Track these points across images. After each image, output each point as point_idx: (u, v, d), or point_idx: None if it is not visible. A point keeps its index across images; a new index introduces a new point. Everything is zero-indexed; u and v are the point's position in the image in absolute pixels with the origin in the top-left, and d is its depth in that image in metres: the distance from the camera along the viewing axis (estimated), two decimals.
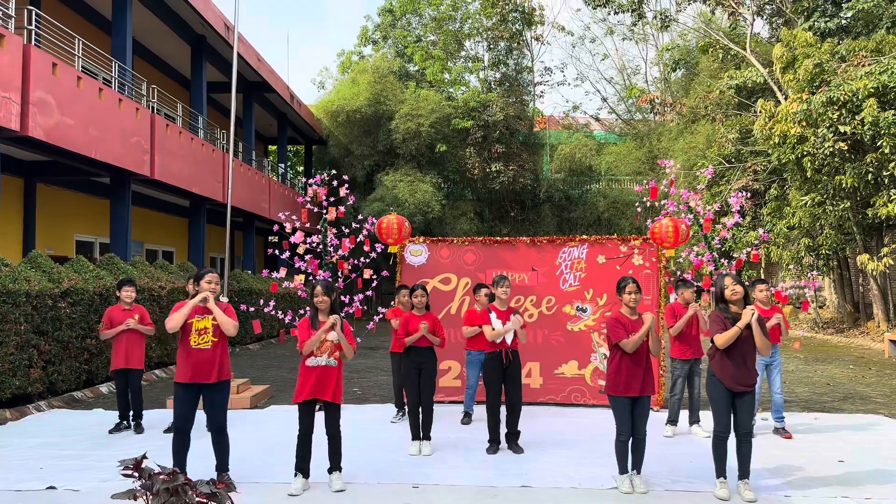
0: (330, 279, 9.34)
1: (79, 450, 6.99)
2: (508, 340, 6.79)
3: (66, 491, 5.63)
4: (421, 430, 6.89)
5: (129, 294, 7.93)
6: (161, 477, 3.34)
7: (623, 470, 5.69)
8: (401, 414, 8.48)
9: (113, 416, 8.40)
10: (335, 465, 5.72)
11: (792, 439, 7.40)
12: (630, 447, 5.71)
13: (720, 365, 5.50)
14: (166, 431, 7.62)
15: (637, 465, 5.72)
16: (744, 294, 5.54)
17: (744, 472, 5.54)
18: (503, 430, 6.93)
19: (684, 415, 7.95)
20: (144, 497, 3.33)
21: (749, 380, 5.47)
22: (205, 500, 3.31)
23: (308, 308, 5.98)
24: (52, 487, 5.71)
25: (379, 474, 6.08)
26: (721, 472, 5.53)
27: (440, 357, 9.29)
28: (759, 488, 5.67)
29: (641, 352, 5.69)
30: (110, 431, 7.76)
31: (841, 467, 6.37)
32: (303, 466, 5.69)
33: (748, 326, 5.40)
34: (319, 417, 5.74)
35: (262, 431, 7.88)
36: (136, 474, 3.40)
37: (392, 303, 8.72)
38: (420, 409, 6.90)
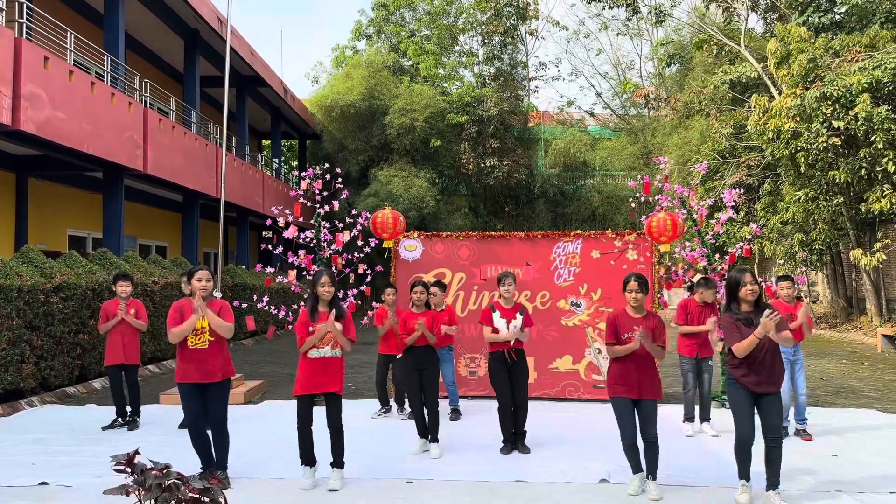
0: None
1: (71, 445, 6.96)
2: (511, 340, 6.66)
3: (59, 487, 5.61)
4: (428, 433, 6.69)
5: (124, 289, 7.87)
6: (153, 472, 3.32)
7: (636, 469, 5.44)
8: (384, 410, 8.44)
9: (106, 412, 8.37)
10: (338, 461, 5.66)
11: (812, 441, 7.18)
12: (642, 451, 5.44)
13: (742, 369, 5.13)
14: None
15: (651, 471, 5.41)
16: (758, 294, 5.20)
17: (773, 482, 5.13)
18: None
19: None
20: (137, 493, 3.31)
21: (775, 379, 5.12)
22: (198, 496, 3.29)
23: (302, 303, 5.93)
24: (44, 483, 5.68)
25: (373, 470, 6.07)
26: (744, 474, 5.18)
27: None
28: (753, 482, 5.68)
29: (642, 354, 5.42)
30: (104, 428, 7.67)
31: (834, 461, 6.39)
32: (309, 458, 5.66)
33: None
34: (318, 411, 5.71)
35: (257, 427, 7.87)
36: (129, 470, 3.38)
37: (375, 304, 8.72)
38: (425, 412, 6.70)
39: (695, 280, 8.16)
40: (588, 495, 5.43)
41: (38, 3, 14.52)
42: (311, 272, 9.29)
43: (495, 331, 6.66)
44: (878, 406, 9.11)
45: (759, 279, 7.71)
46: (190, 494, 3.28)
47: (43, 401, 9.30)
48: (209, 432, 5.66)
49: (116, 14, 14.93)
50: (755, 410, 5.18)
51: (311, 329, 5.58)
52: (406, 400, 8.39)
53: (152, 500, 3.26)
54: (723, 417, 7.67)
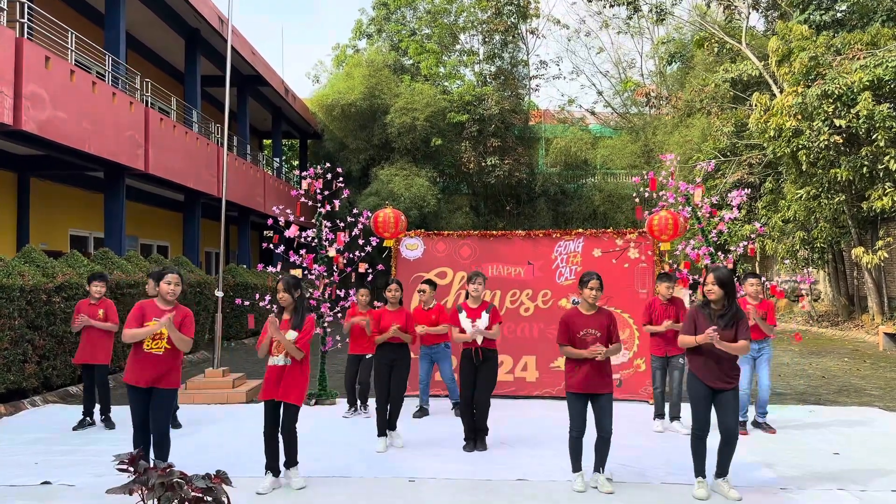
0: (324, 273, 9.33)
1: (74, 444, 6.97)
2: (479, 339, 6.66)
3: (62, 486, 5.61)
4: (388, 422, 6.79)
5: (97, 289, 7.84)
6: (156, 472, 3.33)
7: (576, 468, 5.54)
8: (353, 410, 8.44)
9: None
10: (289, 461, 5.62)
11: (776, 434, 7.33)
12: (594, 445, 5.53)
13: (698, 361, 5.32)
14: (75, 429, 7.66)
15: (600, 464, 5.53)
16: (724, 294, 5.25)
17: (722, 470, 5.33)
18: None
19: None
20: (140, 492, 3.31)
21: (728, 376, 5.25)
22: (200, 495, 3.30)
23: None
24: (46, 482, 5.69)
25: (374, 468, 6.08)
26: (700, 471, 5.32)
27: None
28: (754, 481, 5.69)
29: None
30: (74, 428, 7.63)
31: (836, 459, 6.39)
32: (272, 465, 5.60)
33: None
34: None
35: (258, 426, 7.84)
36: (132, 469, 3.39)
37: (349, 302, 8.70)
38: (388, 404, 6.77)
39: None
40: (589, 494, 5.44)
41: (39, 3, 14.52)
42: (313, 272, 9.31)
43: (462, 331, 6.70)
44: (880, 404, 9.11)
45: (762, 277, 7.72)
46: (192, 493, 3.29)
47: (45, 400, 9.31)
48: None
49: (117, 13, 14.93)
50: (712, 405, 5.33)
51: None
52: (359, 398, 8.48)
53: (155, 499, 3.27)
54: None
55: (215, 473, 3.47)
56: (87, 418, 7.77)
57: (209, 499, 3.32)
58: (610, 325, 5.60)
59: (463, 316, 6.72)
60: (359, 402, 8.49)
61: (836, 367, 12.55)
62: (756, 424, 7.58)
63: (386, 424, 6.80)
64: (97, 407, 7.86)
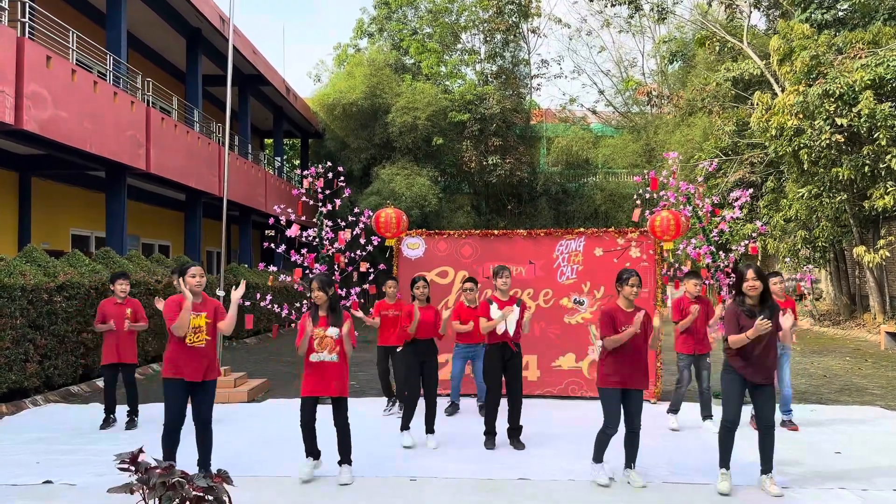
0: (326, 272, 9.33)
1: (75, 444, 6.97)
2: (511, 331, 6.66)
3: (63, 485, 5.62)
4: (426, 425, 6.86)
5: (122, 288, 7.84)
6: (157, 471, 3.33)
7: (599, 459, 5.62)
8: (391, 404, 8.49)
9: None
10: (345, 458, 5.71)
11: (798, 431, 7.37)
12: (623, 441, 5.63)
13: (738, 360, 5.35)
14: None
15: (632, 459, 5.63)
16: (763, 288, 5.33)
17: (767, 467, 5.41)
18: (504, 424, 6.83)
19: (687, 407, 7.93)
20: (141, 491, 3.31)
21: (768, 372, 5.34)
22: (201, 494, 3.30)
23: (306, 301, 5.95)
24: (48, 482, 5.69)
25: (376, 467, 6.08)
26: (725, 462, 5.39)
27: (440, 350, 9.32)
28: (756, 479, 5.68)
29: (636, 345, 5.56)
30: (101, 427, 7.64)
31: (838, 459, 6.38)
32: (311, 450, 5.74)
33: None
34: (326, 410, 5.74)
35: (259, 425, 7.86)
36: (133, 468, 3.39)
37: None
38: (424, 403, 6.87)
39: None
40: (590, 493, 5.43)
41: (41, 3, 14.53)
42: (313, 272, 9.31)
43: (490, 320, 6.70)
44: (881, 403, 9.10)
45: (782, 276, 7.72)
46: (194, 493, 3.29)
47: (47, 400, 9.32)
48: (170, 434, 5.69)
49: (118, 13, 14.93)
50: (745, 400, 5.43)
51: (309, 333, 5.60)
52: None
53: (156, 499, 3.27)
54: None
55: (216, 472, 3.47)
56: (111, 416, 7.80)
57: (210, 498, 3.32)
58: (647, 322, 5.64)
59: (494, 307, 6.69)
60: (395, 398, 8.62)
61: (838, 367, 12.54)
62: (782, 423, 7.50)
63: (411, 419, 6.85)
64: (98, 407, 7.86)
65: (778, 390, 7.43)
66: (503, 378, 6.74)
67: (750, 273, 5.33)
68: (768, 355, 5.34)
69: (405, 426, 6.88)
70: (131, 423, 7.75)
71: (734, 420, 5.38)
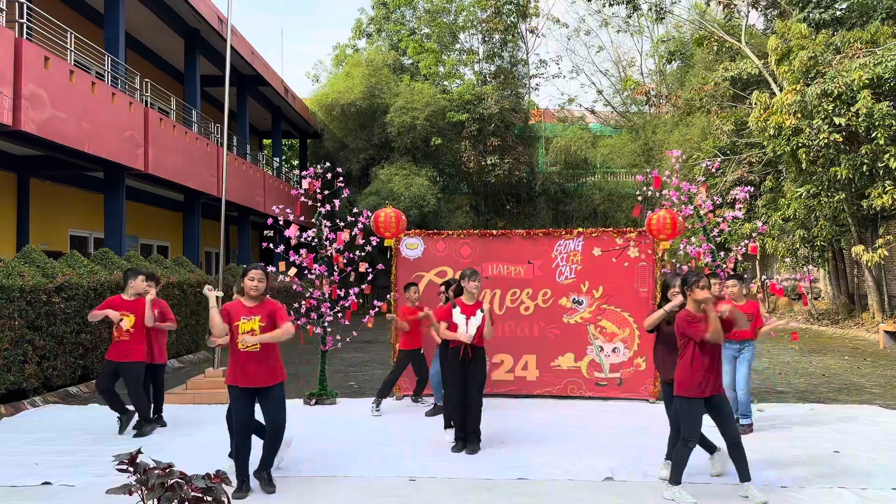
0: (325, 272, 9.32)
1: (74, 445, 6.96)
2: (471, 336, 6.60)
3: (62, 486, 5.61)
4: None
5: (149, 289, 7.62)
6: (156, 472, 3.32)
7: (677, 480, 5.21)
8: (378, 404, 8.49)
9: (108, 412, 8.36)
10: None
11: (753, 433, 7.23)
12: (729, 454, 5.27)
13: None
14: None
15: (743, 473, 5.21)
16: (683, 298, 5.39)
17: (744, 476, 5.24)
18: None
19: None
20: (139, 492, 3.31)
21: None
22: (200, 495, 3.30)
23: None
24: (47, 483, 5.69)
25: (375, 467, 6.07)
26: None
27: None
28: (755, 479, 5.66)
29: (717, 348, 5.25)
30: (136, 436, 7.33)
31: (837, 457, 6.39)
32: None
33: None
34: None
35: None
36: (132, 469, 3.39)
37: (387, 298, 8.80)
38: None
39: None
40: (591, 493, 5.43)
41: (39, 4, 14.51)
42: (313, 271, 9.30)
43: (452, 327, 6.65)
44: (880, 402, 9.11)
45: (763, 276, 7.71)
46: (192, 493, 3.29)
47: (45, 401, 9.31)
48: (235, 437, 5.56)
49: (116, 14, 14.92)
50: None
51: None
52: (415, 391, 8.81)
53: (155, 500, 3.26)
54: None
55: (215, 473, 3.47)
56: (160, 414, 7.82)
57: (209, 499, 3.32)
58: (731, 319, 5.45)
59: (457, 311, 6.67)
60: (408, 397, 8.87)
61: (837, 366, 12.55)
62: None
63: (453, 416, 6.80)
64: (98, 409, 7.83)
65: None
66: (464, 379, 6.63)
67: (677, 285, 5.58)
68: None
69: (447, 424, 6.97)
70: (160, 420, 7.74)
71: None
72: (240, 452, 5.41)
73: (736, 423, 5.35)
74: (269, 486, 5.44)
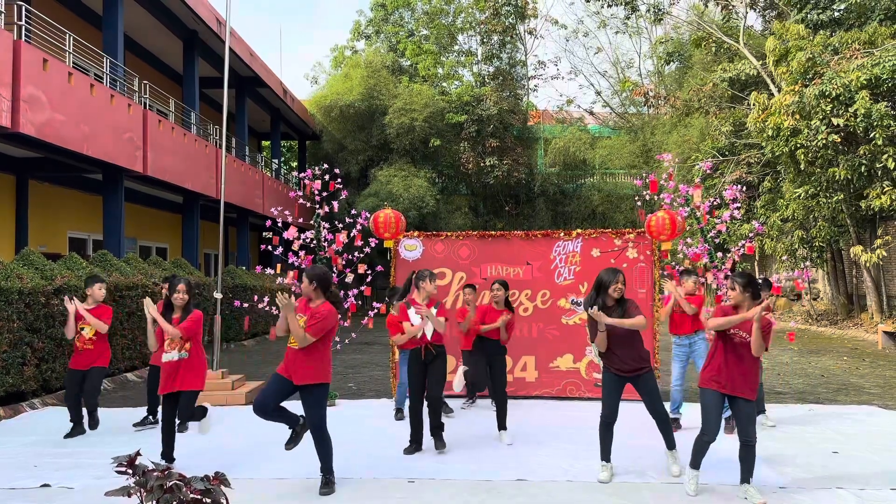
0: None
1: (73, 447, 6.96)
2: (428, 335, 6.62)
3: (61, 489, 5.61)
4: (497, 421, 7.09)
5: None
6: (155, 474, 3.33)
7: (695, 464, 5.34)
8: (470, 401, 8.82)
9: (107, 413, 8.38)
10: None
11: (682, 430, 7.26)
12: (738, 455, 5.28)
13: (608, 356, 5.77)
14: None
15: (747, 474, 5.25)
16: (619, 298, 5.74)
17: (669, 443, 5.85)
18: (427, 426, 6.75)
19: (687, 407, 7.91)
20: (138, 494, 3.31)
21: (634, 363, 5.73)
22: (199, 497, 3.30)
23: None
24: (46, 485, 5.69)
25: (374, 469, 6.08)
26: (605, 455, 5.82)
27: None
28: (754, 479, 5.68)
29: (744, 348, 5.20)
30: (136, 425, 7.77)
31: (835, 458, 6.39)
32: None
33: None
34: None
35: (258, 427, 7.84)
36: (130, 471, 3.39)
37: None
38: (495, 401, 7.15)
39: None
40: (590, 494, 5.44)
41: (37, 6, 14.53)
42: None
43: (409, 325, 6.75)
44: (878, 402, 9.11)
45: (761, 276, 7.75)
46: (191, 495, 3.29)
47: (44, 403, 9.31)
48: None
49: (115, 16, 14.93)
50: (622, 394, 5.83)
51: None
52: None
53: (154, 502, 3.27)
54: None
55: (214, 475, 3.47)
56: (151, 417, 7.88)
57: (208, 501, 3.32)
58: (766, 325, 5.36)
59: (412, 312, 6.75)
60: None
61: (835, 366, 12.56)
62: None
63: (410, 421, 6.84)
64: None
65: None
66: (425, 381, 6.68)
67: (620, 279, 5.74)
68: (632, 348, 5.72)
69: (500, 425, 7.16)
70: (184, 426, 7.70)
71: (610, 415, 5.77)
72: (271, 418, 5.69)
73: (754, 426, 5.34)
74: (323, 487, 5.50)
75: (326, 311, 5.48)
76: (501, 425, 7.08)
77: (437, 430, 6.68)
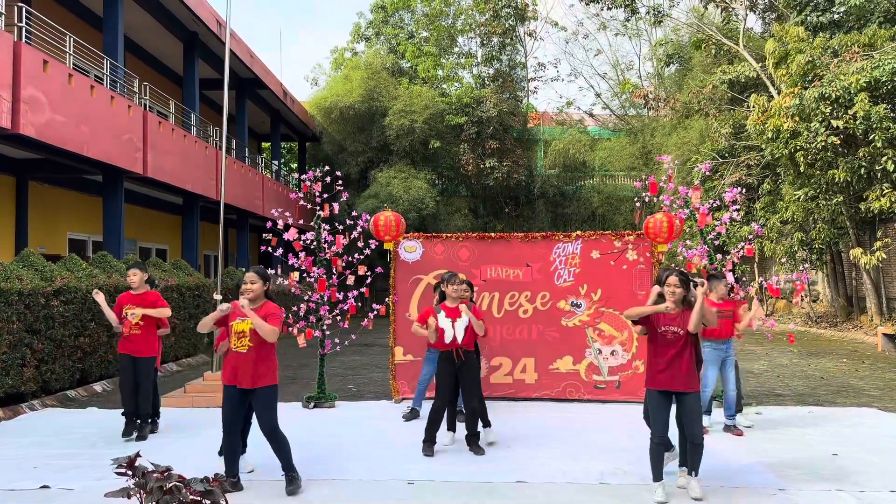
0: (324, 275, 9.33)
1: (72, 448, 6.96)
2: (459, 338, 6.58)
3: (60, 490, 5.61)
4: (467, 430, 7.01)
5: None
6: (154, 475, 3.33)
7: (657, 477, 5.28)
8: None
9: (107, 414, 8.37)
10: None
11: (743, 436, 7.25)
12: (686, 449, 5.38)
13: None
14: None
15: (693, 467, 5.33)
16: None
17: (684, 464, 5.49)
18: (463, 431, 6.76)
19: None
20: (138, 495, 3.32)
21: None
22: (198, 498, 3.30)
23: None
24: (45, 486, 5.69)
25: (373, 471, 6.08)
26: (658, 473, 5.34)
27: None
28: (753, 481, 5.69)
29: (680, 343, 5.27)
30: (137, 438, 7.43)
31: (835, 460, 6.39)
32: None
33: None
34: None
35: (256, 428, 7.84)
36: (130, 473, 3.39)
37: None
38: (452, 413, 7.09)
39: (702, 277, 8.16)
40: (589, 496, 5.44)
41: (37, 7, 14.54)
42: (311, 274, 9.31)
43: (429, 327, 6.66)
44: (878, 405, 9.11)
45: (760, 278, 7.75)
46: (191, 497, 3.29)
47: (44, 404, 9.30)
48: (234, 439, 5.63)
49: (115, 17, 14.94)
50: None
51: None
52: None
53: (153, 503, 3.27)
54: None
55: (213, 476, 3.47)
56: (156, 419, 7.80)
57: (207, 502, 3.32)
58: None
59: (442, 316, 6.66)
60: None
61: (835, 368, 12.56)
62: (725, 428, 7.48)
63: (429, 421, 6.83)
64: (96, 411, 7.80)
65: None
66: (457, 386, 6.66)
67: (672, 279, 5.38)
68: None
69: (450, 427, 7.09)
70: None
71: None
72: (225, 451, 5.56)
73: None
74: (288, 485, 5.49)
75: (276, 307, 5.60)
76: (484, 424, 6.94)
77: (473, 437, 6.69)
